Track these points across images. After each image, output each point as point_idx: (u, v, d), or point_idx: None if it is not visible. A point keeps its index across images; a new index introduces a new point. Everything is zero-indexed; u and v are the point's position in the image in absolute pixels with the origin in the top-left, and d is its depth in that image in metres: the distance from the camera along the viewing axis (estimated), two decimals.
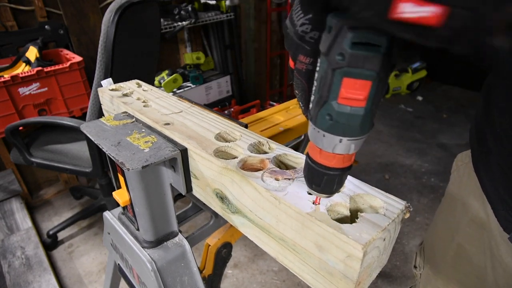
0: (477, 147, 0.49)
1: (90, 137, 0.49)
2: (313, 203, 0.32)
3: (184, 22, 2.06)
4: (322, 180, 0.28)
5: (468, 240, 0.52)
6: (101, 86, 0.66)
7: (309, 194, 0.34)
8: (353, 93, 0.22)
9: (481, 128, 0.48)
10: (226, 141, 0.46)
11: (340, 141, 0.25)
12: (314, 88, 0.26)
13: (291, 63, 0.28)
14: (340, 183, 0.29)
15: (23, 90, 1.42)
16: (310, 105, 0.27)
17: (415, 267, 0.67)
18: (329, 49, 0.22)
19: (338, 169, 0.27)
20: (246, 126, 0.52)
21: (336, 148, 0.26)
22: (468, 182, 0.53)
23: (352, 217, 0.33)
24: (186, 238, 0.60)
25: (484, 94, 0.47)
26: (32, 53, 1.55)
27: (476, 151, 0.50)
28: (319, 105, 0.25)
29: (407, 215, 0.32)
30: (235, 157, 0.41)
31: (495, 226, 0.47)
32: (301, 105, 0.29)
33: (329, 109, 0.24)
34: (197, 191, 0.49)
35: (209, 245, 0.83)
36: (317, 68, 0.25)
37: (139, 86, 0.67)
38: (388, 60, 0.22)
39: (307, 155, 0.29)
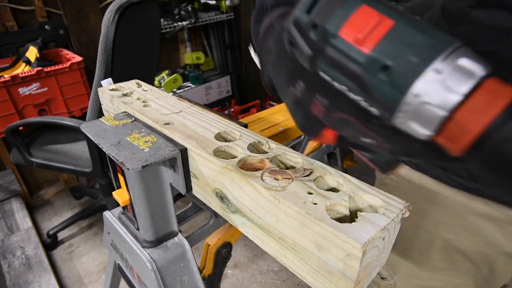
0: None
1: (90, 137, 0.49)
2: (313, 203, 0.32)
3: (184, 22, 2.06)
4: None
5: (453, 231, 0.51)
6: (101, 86, 0.67)
7: (310, 194, 0.34)
8: None
9: None
10: (226, 140, 0.46)
11: None
12: None
13: None
14: None
15: (23, 90, 1.43)
16: None
17: (382, 278, 0.61)
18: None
19: None
20: (245, 126, 0.52)
21: None
22: None
23: (351, 217, 0.33)
24: (186, 237, 0.60)
25: None
26: (32, 53, 1.55)
27: None
28: None
29: (407, 214, 0.32)
30: (235, 157, 0.41)
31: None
32: None
33: None
34: (196, 191, 0.49)
35: (209, 245, 0.83)
36: None
37: (139, 86, 0.67)
38: None
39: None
